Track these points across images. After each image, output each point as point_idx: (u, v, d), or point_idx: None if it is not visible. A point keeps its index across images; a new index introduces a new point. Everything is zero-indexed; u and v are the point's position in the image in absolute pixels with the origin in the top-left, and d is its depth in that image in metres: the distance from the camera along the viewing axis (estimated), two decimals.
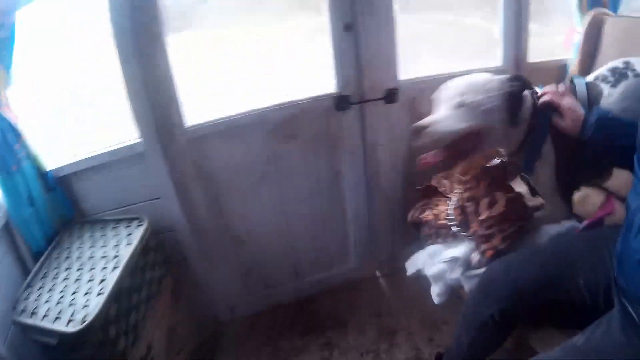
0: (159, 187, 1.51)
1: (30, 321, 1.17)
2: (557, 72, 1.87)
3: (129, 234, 1.42)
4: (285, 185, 1.71)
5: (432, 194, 1.61)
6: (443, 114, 1.26)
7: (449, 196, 1.54)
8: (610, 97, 1.26)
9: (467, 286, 1.36)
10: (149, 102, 1.39)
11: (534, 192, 1.43)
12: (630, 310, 0.94)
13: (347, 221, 1.87)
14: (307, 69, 1.70)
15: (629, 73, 1.27)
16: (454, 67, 1.74)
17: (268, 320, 1.90)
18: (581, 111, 1.15)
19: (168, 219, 1.56)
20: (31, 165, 1.30)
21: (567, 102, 1.18)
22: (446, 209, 1.49)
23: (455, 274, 1.39)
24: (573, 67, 1.77)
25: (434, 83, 1.66)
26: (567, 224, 1.35)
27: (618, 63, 1.31)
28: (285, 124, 1.60)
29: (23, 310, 1.19)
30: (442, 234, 1.47)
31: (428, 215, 1.52)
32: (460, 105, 1.24)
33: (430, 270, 1.44)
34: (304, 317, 1.91)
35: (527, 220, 1.37)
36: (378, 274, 2.04)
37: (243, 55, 1.67)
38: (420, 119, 1.42)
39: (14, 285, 1.25)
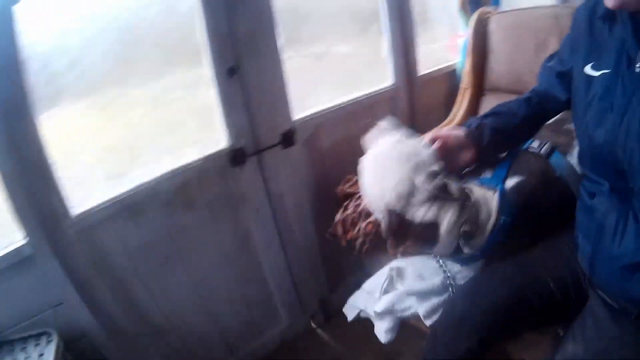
0: (58, 290, 1.22)
1: None
2: (447, 78, 1.87)
3: (41, 355, 1.14)
4: (195, 259, 1.48)
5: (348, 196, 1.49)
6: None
7: None
8: None
9: (428, 321, 1.24)
10: (28, 197, 1.11)
11: None
12: (610, 302, 0.94)
13: (267, 280, 1.69)
14: (193, 126, 1.48)
15: None
16: (347, 96, 1.66)
17: None
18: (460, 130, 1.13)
19: (77, 325, 1.27)
20: None
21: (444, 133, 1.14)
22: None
23: (409, 305, 1.28)
24: (466, 69, 1.75)
25: (329, 116, 1.58)
26: None
27: None
28: (181, 192, 1.38)
29: None
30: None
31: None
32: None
33: (376, 307, 1.30)
34: None
35: None
36: (313, 325, 1.89)
37: (123, 122, 1.40)
38: (320, 154, 1.44)
39: None
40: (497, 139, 1.13)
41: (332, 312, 1.87)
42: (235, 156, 1.42)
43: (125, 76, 1.31)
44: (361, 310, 1.40)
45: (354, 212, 1.43)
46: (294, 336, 1.84)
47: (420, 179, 1.04)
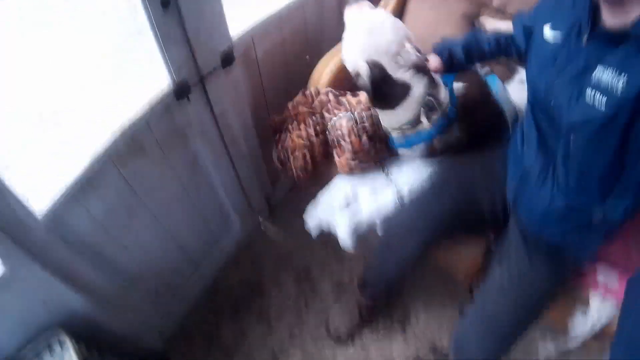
0: (45, 289, 1.17)
1: None
2: None
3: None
4: (155, 198, 1.44)
5: (281, 127, 1.56)
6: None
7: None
8: None
9: (380, 229, 1.44)
10: None
11: None
12: (526, 233, 1.19)
13: (219, 193, 1.71)
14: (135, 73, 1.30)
15: None
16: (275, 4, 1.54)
17: (196, 322, 1.80)
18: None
19: (73, 311, 1.26)
20: None
21: None
22: (315, 126, 1.48)
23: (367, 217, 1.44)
24: None
25: (262, 27, 1.51)
26: None
27: None
28: (131, 143, 1.27)
29: None
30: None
31: (294, 139, 1.49)
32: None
33: (340, 223, 1.45)
34: (224, 300, 1.85)
35: None
36: (261, 219, 2.00)
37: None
38: (253, 67, 1.48)
39: None
40: (462, 68, 1.30)
41: (277, 204, 2.01)
42: (179, 90, 1.30)
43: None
44: (322, 225, 1.51)
45: (282, 148, 1.50)
46: (247, 237, 1.96)
47: (408, 46, 1.21)
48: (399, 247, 1.38)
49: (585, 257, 1.16)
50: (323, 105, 1.49)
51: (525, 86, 1.18)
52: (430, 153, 1.35)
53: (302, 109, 1.50)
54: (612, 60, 0.88)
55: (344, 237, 1.43)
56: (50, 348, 1.18)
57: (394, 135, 1.34)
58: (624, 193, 0.98)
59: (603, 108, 0.87)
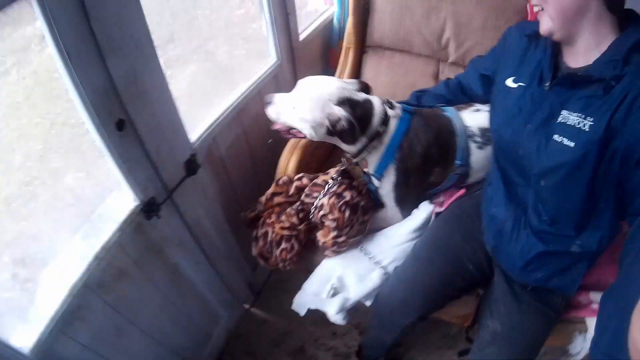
0: None
1: None
2: (326, 31, 1.75)
3: None
4: (141, 321, 1.39)
5: (256, 222, 1.51)
6: (283, 99, 1.31)
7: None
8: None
9: (368, 302, 1.41)
10: None
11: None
12: (511, 276, 1.21)
13: (202, 292, 1.65)
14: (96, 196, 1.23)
15: None
16: (232, 96, 1.50)
17: None
18: None
19: None
20: None
21: None
22: (298, 214, 1.44)
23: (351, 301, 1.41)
24: (348, 29, 1.67)
25: (223, 123, 1.48)
26: (423, 211, 1.43)
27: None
28: (109, 270, 1.21)
29: None
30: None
31: (279, 231, 1.44)
32: (294, 107, 1.29)
33: (330, 309, 1.41)
34: None
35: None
36: (247, 306, 1.94)
37: None
38: (218, 166, 1.50)
39: None
40: None
41: (259, 288, 1.96)
42: (148, 209, 1.24)
43: None
44: (309, 310, 1.47)
45: (264, 243, 1.45)
46: (236, 324, 1.89)
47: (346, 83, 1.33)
48: (392, 322, 1.38)
49: (573, 291, 1.16)
50: (301, 191, 1.45)
51: (478, 114, 1.29)
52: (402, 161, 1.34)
53: (279, 199, 1.46)
54: (577, 105, 0.90)
55: (335, 318, 1.40)
56: None
57: (369, 168, 1.36)
58: (598, 224, 0.99)
59: (571, 152, 0.89)
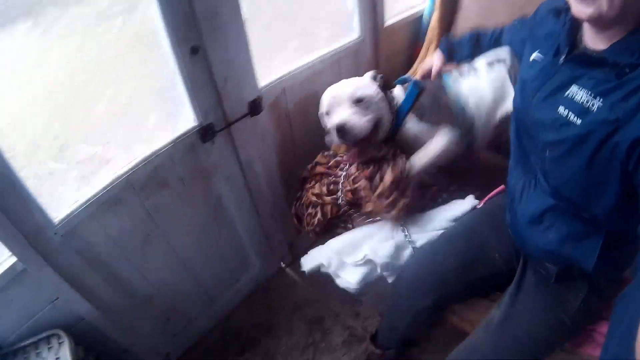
0: (54, 289, 1.26)
1: None
2: (413, 25, 1.80)
3: (57, 358, 1.23)
4: (174, 231, 1.52)
5: (304, 183, 1.60)
6: (347, 112, 1.37)
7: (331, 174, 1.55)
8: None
9: (391, 279, 1.41)
10: (9, 216, 1.09)
11: None
12: (535, 268, 1.14)
13: (240, 235, 1.77)
14: (160, 108, 1.42)
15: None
16: (312, 54, 1.60)
17: (203, 352, 1.83)
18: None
19: (78, 315, 1.35)
20: None
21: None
22: (328, 186, 1.51)
23: (375, 271, 1.42)
24: (432, 23, 1.70)
25: (295, 78, 1.56)
26: (467, 203, 1.43)
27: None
28: (154, 175, 1.36)
29: None
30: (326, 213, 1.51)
31: (309, 196, 1.53)
32: (360, 100, 1.37)
33: (350, 275, 1.44)
34: (234, 336, 1.87)
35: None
36: (283, 265, 2.02)
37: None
38: (283, 118, 1.56)
39: None
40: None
41: (300, 252, 1.99)
42: (205, 133, 1.38)
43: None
44: (322, 265, 1.50)
45: (299, 205, 1.55)
46: (267, 279, 1.98)
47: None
48: (409, 303, 1.36)
49: (591, 264, 1.03)
50: (338, 164, 1.52)
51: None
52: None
53: (321, 168, 1.54)
54: (588, 83, 0.87)
55: (354, 286, 1.42)
56: (49, 343, 1.26)
57: None
58: (604, 200, 0.93)
59: (577, 128, 0.87)
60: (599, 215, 0.96)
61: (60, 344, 1.26)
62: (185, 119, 1.38)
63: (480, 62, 1.46)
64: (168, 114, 1.41)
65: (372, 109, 1.38)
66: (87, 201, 1.25)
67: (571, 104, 0.89)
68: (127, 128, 1.37)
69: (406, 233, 1.42)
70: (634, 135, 0.79)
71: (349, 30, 1.69)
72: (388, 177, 1.38)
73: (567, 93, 0.91)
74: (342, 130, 1.34)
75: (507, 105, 1.45)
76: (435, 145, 1.42)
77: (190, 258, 1.63)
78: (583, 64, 0.90)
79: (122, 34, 1.27)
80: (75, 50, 1.25)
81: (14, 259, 1.14)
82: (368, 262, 1.43)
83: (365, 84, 1.41)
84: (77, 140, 1.31)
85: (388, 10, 1.74)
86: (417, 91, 1.43)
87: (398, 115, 1.44)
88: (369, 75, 1.45)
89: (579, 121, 0.87)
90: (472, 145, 1.46)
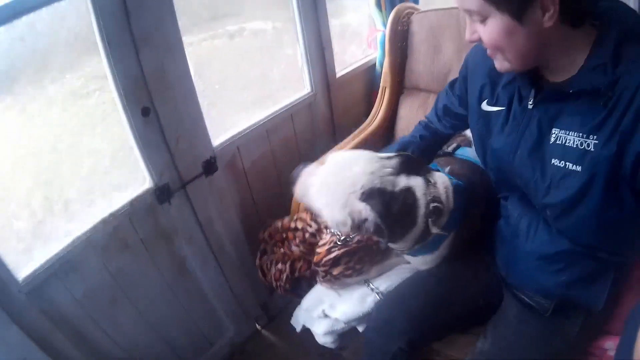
0: (20, 350, 1.21)
1: None
2: (366, 74, 1.86)
3: None
4: (140, 293, 1.48)
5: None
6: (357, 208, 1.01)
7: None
8: None
9: (361, 328, 1.36)
10: None
11: None
12: (528, 300, 1.05)
13: (208, 296, 1.72)
14: (118, 170, 1.43)
15: None
16: (265, 112, 1.64)
17: None
18: None
19: None
20: None
21: None
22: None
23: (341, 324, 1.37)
24: (385, 69, 1.75)
25: (249, 136, 1.57)
26: None
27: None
28: (114, 236, 1.35)
29: None
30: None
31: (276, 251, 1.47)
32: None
33: (318, 328, 1.41)
34: None
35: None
36: (259, 327, 1.96)
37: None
38: (241, 177, 1.53)
39: None
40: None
41: (275, 312, 1.96)
42: (161, 194, 1.39)
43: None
44: (304, 325, 1.47)
45: (262, 260, 1.49)
46: (242, 341, 1.91)
47: (379, 164, 1.02)
48: (383, 349, 1.26)
49: (599, 305, 0.98)
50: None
51: None
52: (455, 245, 1.17)
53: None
54: (572, 122, 0.81)
55: (323, 339, 1.40)
56: None
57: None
58: (622, 235, 0.88)
59: (579, 176, 0.81)
60: (618, 251, 0.91)
61: None
62: (141, 180, 1.39)
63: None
64: (125, 175, 1.41)
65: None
66: (50, 260, 1.23)
67: (565, 153, 0.83)
68: (87, 189, 1.37)
69: (369, 282, 1.39)
70: (638, 149, 0.74)
71: (300, 85, 1.74)
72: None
73: (552, 140, 0.85)
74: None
75: None
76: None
77: (160, 322, 1.58)
78: (557, 99, 0.84)
79: (95, 109, 1.32)
80: (47, 125, 1.29)
81: None
82: (327, 315, 1.39)
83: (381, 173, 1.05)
84: (41, 199, 1.31)
85: (338, 63, 1.79)
86: None
87: None
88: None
89: (579, 168, 0.81)
90: None
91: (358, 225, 1.00)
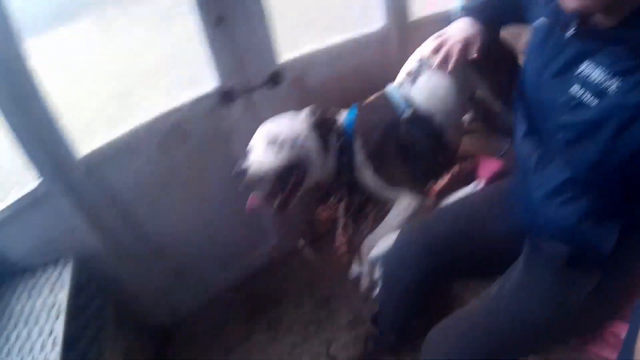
0: (71, 220, 1.45)
1: None
2: (441, 26, 1.84)
3: (59, 276, 1.41)
4: (191, 187, 1.68)
5: None
6: (259, 154, 1.33)
7: None
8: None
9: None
10: (38, 144, 1.30)
11: None
12: (544, 246, 1.04)
13: None
14: (184, 70, 1.62)
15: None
16: (335, 38, 1.71)
17: (210, 314, 1.95)
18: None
19: (89, 247, 1.52)
20: None
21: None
22: None
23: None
24: None
25: (318, 57, 1.66)
26: (469, 187, 1.45)
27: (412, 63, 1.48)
28: (174, 131, 1.55)
29: None
30: None
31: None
32: (273, 141, 1.32)
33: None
34: (242, 303, 1.97)
35: None
36: (301, 242, 2.09)
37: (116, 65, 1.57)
38: (304, 96, 1.57)
39: None
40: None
41: (318, 233, 2.06)
42: (224, 96, 1.55)
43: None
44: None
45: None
46: (283, 254, 2.07)
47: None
48: (394, 279, 1.34)
49: (608, 248, 0.94)
50: None
51: None
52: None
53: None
54: (604, 60, 0.81)
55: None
56: (56, 265, 1.44)
57: None
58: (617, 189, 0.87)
59: (591, 111, 0.82)
60: (622, 196, 0.90)
61: (65, 266, 1.44)
62: (209, 82, 1.55)
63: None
64: (193, 75, 1.59)
65: (290, 151, 1.34)
66: (112, 142, 1.46)
67: (586, 83, 0.83)
68: (155, 84, 1.58)
69: None
70: None
71: (374, 17, 1.77)
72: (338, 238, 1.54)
73: (580, 70, 0.85)
74: (240, 173, 1.31)
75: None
76: (393, 219, 1.44)
77: (207, 217, 1.77)
78: (594, 38, 0.84)
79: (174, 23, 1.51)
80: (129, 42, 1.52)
81: (38, 183, 1.34)
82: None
83: (289, 123, 1.39)
84: (111, 91, 1.54)
85: (416, 4, 1.80)
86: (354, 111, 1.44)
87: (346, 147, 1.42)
88: (304, 111, 1.44)
89: (594, 103, 0.82)
90: (443, 141, 1.45)
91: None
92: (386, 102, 1.41)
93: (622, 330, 1.02)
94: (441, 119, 1.42)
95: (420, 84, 1.43)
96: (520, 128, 1.07)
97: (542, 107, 0.95)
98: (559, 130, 0.90)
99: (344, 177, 1.45)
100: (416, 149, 1.39)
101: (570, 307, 1.00)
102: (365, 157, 1.39)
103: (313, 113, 1.40)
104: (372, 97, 1.47)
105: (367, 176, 1.43)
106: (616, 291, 1.04)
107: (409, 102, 1.39)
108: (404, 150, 1.38)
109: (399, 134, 1.36)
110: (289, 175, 1.35)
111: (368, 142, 1.37)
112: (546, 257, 1.03)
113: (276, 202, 1.37)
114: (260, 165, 1.30)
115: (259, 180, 1.32)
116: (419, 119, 1.38)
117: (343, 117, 1.44)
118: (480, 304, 1.12)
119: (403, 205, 1.41)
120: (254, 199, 1.41)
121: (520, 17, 1.14)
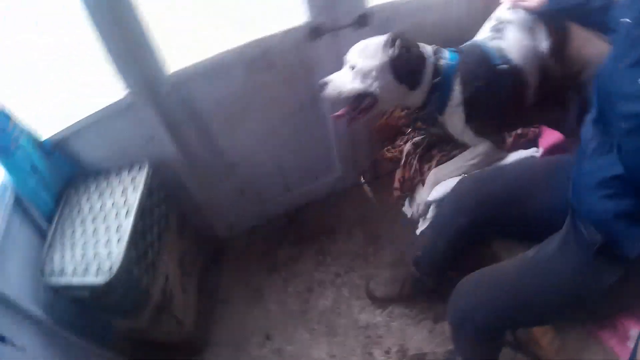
0: (151, 129, 1.59)
1: (61, 280, 1.32)
2: None
3: (133, 179, 1.54)
4: (269, 112, 1.79)
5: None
6: (340, 74, 1.43)
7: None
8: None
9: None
10: (128, 57, 1.40)
11: None
12: (582, 229, 1.08)
13: (329, 136, 1.97)
14: (279, 2, 1.67)
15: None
16: None
17: (264, 233, 2.12)
18: None
19: (164, 157, 1.67)
20: (27, 139, 1.37)
21: None
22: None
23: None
24: None
25: (406, 6, 1.69)
26: (529, 151, 1.46)
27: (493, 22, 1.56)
28: (262, 57, 1.63)
29: (52, 272, 1.33)
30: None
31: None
32: (352, 67, 1.38)
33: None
34: (296, 227, 2.12)
35: None
36: (362, 180, 2.19)
37: None
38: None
39: (37, 251, 1.39)
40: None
41: (380, 173, 2.14)
42: (313, 31, 1.61)
43: None
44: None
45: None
46: (344, 187, 2.18)
47: None
48: (447, 221, 1.42)
49: (634, 252, 1.00)
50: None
51: None
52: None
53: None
54: None
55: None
56: (130, 169, 1.58)
57: None
58: None
59: None
60: None
61: (139, 171, 1.56)
62: (300, 15, 1.60)
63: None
64: (286, 8, 1.63)
65: (362, 81, 1.38)
66: (200, 62, 1.56)
67: None
68: (249, 14, 1.64)
69: None
70: None
71: None
72: (396, 175, 1.60)
73: None
74: (322, 86, 1.43)
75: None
76: (465, 162, 1.48)
77: (279, 142, 1.89)
78: None
79: None
80: None
81: (125, 93, 1.46)
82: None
83: (370, 52, 1.39)
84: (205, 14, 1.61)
85: None
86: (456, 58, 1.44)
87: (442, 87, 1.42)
88: (383, 39, 1.40)
89: None
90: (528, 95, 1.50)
91: (393, 55, 1.35)
92: (482, 54, 1.45)
93: (633, 326, 1.10)
94: (528, 73, 1.46)
95: (509, 38, 1.48)
96: (592, 112, 1.10)
97: (610, 96, 0.98)
98: (622, 119, 0.93)
99: (427, 115, 1.49)
100: (507, 101, 1.44)
101: (592, 292, 1.08)
102: (460, 101, 1.41)
103: (395, 45, 1.37)
104: (465, 45, 1.50)
105: (455, 120, 1.45)
106: (636, 292, 1.10)
107: (502, 55, 1.43)
108: (497, 101, 1.42)
109: (496, 85, 1.40)
110: (360, 101, 1.42)
111: (469, 88, 1.40)
112: (581, 240, 1.08)
113: (347, 117, 1.46)
114: (335, 87, 1.41)
115: (335, 97, 1.42)
116: (512, 72, 1.42)
117: (445, 56, 1.43)
118: (515, 263, 1.21)
119: (480, 152, 1.45)
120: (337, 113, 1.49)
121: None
